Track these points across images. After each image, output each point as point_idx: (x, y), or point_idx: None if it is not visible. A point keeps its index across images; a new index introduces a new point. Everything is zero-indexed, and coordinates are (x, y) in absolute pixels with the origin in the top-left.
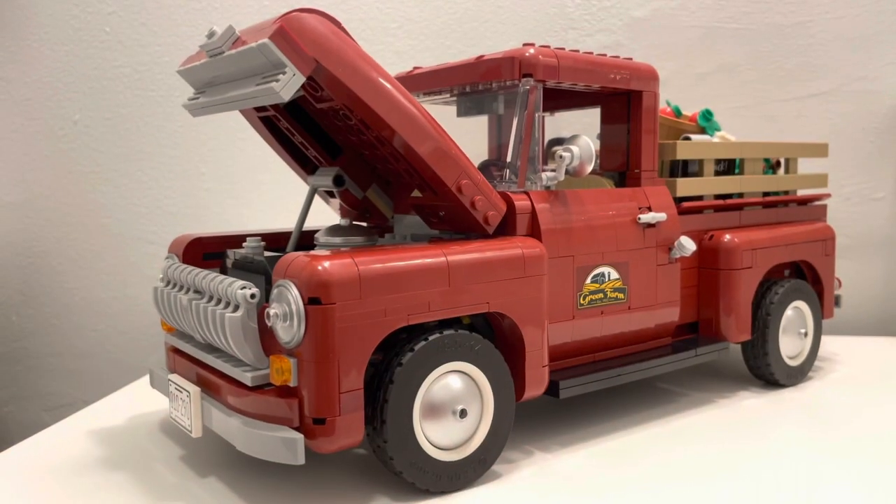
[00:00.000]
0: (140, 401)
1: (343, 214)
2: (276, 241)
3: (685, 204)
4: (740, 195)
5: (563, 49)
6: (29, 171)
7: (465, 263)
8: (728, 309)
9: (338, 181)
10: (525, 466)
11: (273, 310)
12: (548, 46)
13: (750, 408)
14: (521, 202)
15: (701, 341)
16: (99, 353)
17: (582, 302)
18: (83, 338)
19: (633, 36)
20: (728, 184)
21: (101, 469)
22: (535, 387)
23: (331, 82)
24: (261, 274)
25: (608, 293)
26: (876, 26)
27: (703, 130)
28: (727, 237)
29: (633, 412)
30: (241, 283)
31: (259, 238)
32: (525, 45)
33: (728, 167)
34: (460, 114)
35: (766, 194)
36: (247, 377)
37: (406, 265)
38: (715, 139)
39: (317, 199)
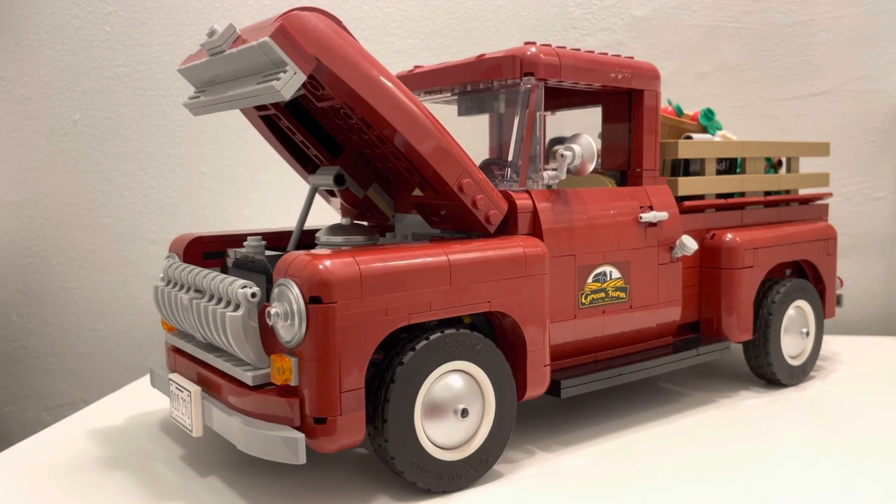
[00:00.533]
0: (140, 400)
1: (344, 213)
2: (276, 240)
3: (687, 203)
4: (742, 194)
5: (565, 48)
6: (29, 171)
7: (466, 262)
8: (730, 308)
9: (338, 180)
10: (526, 466)
11: (274, 309)
12: (549, 45)
13: (751, 407)
14: (522, 201)
15: (702, 341)
16: (99, 353)
17: (583, 301)
18: (83, 338)
19: (634, 35)
20: (729, 183)
21: (101, 469)
22: (537, 386)
23: (332, 81)
24: (261, 273)
25: (610, 292)
26: (877, 25)
27: (704, 129)
28: (729, 236)
29: (634, 412)
30: (241, 282)
31: (260, 237)
32: (526, 43)
33: (729, 166)
34: (461, 113)
35: (767, 193)
36: (248, 376)
37: (407, 264)
38: (716, 138)
39: (318, 198)
